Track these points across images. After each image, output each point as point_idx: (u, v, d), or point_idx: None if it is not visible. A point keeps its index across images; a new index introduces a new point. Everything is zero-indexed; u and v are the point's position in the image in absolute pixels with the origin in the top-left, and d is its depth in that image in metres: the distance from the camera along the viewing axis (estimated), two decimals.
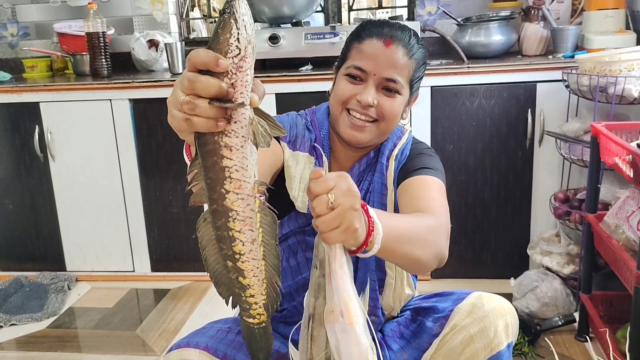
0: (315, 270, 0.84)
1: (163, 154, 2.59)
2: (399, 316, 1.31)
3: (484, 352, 1.10)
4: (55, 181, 2.67)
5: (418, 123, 2.39)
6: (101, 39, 2.74)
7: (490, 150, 2.39)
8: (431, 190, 1.11)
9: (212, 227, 0.76)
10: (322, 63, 2.55)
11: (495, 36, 2.53)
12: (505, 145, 2.38)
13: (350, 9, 3.13)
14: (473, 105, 2.36)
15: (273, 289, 0.81)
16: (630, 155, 1.60)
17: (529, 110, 2.32)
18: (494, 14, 2.55)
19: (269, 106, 2.41)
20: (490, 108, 2.35)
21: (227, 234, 0.75)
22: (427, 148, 1.28)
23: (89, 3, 2.72)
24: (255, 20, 2.74)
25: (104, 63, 2.76)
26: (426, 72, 1.28)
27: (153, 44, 2.85)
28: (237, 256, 0.76)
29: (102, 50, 2.75)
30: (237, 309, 0.84)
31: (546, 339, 2.01)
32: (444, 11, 2.70)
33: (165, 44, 2.68)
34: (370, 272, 1.22)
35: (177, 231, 2.66)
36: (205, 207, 0.76)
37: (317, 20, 3.14)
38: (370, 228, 0.81)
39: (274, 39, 2.52)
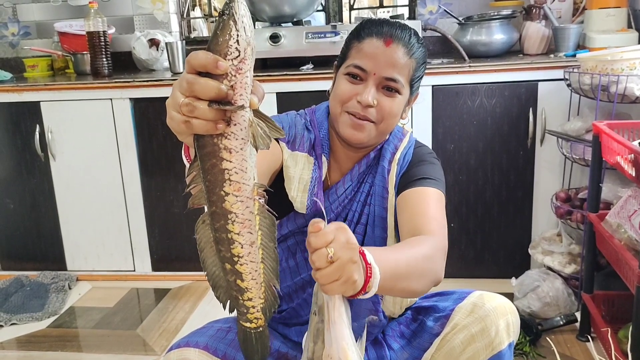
0: (314, 317, 0.86)
1: (164, 153, 2.59)
2: (399, 315, 1.31)
3: (485, 351, 1.10)
4: (56, 180, 2.67)
5: (419, 122, 2.38)
6: (102, 38, 2.74)
7: (491, 149, 2.39)
8: (430, 206, 1.12)
9: (211, 229, 0.76)
10: (323, 62, 2.54)
11: (497, 35, 2.52)
12: (507, 144, 2.37)
13: (351, 8, 3.12)
14: (474, 104, 2.35)
15: (271, 293, 0.81)
16: (633, 154, 1.60)
17: (531, 109, 2.32)
18: (496, 13, 2.54)
19: (270, 105, 2.41)
20: (492, 107, 2.35)
21: (226, 237, 0.74)
22: (429, 153, 1.27)
23: (90, 2, 2.71)
24: (256, 19, 2.73)
25: (105, 62, 2.75)
26: (427, 71, 1.28)
27: (154, 43, 2.84)
28: (235, 259, 0.76)
29: (103, 50, 2.74)
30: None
31: (547, 338, 2.01)
32: (445, 10, 2.70)
33: (166, 43, 2.67)
34: None
35: (178, 231, 2.66)
36: (205, 208, 0.75)
37: (318, 19, 3.13)
38: (368, 274, 0.83)
39: (274, 38, 2.51)
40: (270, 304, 0.82)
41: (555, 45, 2.53)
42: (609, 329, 1.81)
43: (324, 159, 1.23)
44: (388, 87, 1.15)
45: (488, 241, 2.48)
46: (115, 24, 3.03)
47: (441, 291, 1.28)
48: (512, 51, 2.65)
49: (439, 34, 2.63)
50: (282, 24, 2.67)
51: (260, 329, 0.84)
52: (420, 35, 1.27)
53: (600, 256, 2.05)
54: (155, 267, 2.72)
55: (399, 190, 1.19)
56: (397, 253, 0.96)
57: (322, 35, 2.50)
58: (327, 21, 3.02)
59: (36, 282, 2.67)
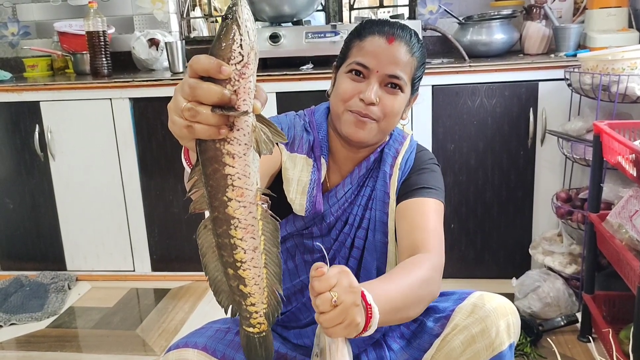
0: (316, 358, 0.88)
1: (163, 153, 2.58)
2: None
3: (485, 352, 1.09)
4: (56, 180, 2.67)
5: (419, 122, 2.38)
6: (101, 38, 2.73)
7: (491, 149, 2.38)
8: (430, 220, 1.13)
9: (213, 235, 0.75)
10: (323, 62, 2.54)
11: (497, 35, 2.52)
12: (507, 144, 2.37)
13: (351, 7, 3.11)
14: (474, 104, 2.35)
15: (274, 297, 0.80)
16: (634, 154, 1.60)
17: (531, 109, 2.31)
18: (496, 13, 2.54)
19: (270, 105, 2.40)
20: (492, 107, 2.34)
21: (229, 242, 0.74)
22: (430, 159, 1.27)
23: (90, 2, 2.70)
24: (256, 19, 2.72)
25: (105, 62, 2.75)
26: (427, 71, 1.28)
27: (153, 43, 2.84)
28: (238, 264, 0.75)
29: (103, 49, 2.74)
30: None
31: (548, 339, 2.01)
32: (445, 10, 2.69)
33: (166, 43, 2.66)
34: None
35: (178, 231, 2.66)
36: (206, 213, 0.75)
37: (318, 19, 3.13)
38: (369, 315, 0.85)
39: (274, 37, 2.51)
40: (273, 309, 0.81)
41: (555, 45, 2.52)
42: (610, 330, 1.80)
43: (322, 160, 1.22)
44: (391, 84, 1.14)
45: (488, 241, 2.48)
46: (115, 24, 3.03)
47: (441, 292, 1.28)
48: (513, 51, 2.64)
49: (439, 34, 2.62)
50: (282, 24, 2.67)
51: (264, 333, 0.84)
52: (420, 35, 1.26)
53: (601, 256, 2.04)
54: (155, 267, 2.71)
55: (399, 197, 1.20)
56: (394, 283, 0.97)
57: (322, 35, 2.50)
58: (327, 21, 3.01)
59: (36, 282, 2.67)
